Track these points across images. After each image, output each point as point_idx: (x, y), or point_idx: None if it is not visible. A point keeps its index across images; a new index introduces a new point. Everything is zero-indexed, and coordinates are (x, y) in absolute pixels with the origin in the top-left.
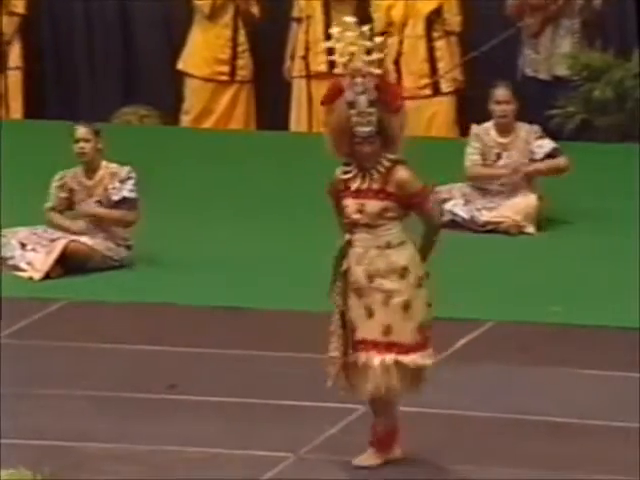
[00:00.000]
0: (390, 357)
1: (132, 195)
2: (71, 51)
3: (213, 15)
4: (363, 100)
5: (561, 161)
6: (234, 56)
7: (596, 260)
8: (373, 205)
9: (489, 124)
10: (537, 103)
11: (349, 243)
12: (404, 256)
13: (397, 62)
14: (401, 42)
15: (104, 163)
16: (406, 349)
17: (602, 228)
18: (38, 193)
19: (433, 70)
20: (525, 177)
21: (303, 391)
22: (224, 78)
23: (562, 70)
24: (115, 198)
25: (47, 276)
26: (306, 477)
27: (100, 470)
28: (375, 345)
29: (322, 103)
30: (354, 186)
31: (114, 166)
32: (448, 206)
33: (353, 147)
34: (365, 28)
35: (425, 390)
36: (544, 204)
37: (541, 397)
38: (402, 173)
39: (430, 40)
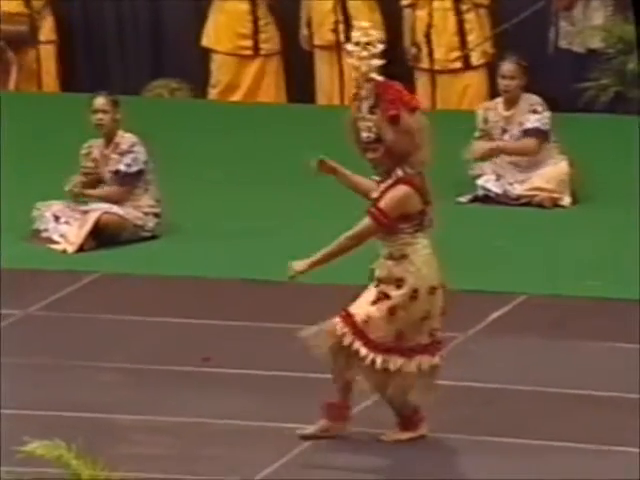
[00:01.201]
0: (349, 339)
1: (124, 169)
2: (102, 24)
3: None
4: (365, 105)
5: (529, 143)
6: (256, 30)
7: (631, 234)
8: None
9: (499, 99)
10: (571, 75)
11: None
12: (401, 269)
13: (428, 35)
14: (430, 15)
15: (120, 132)
16: (373, 344)
17: (636, 201)
18: (70, 166)
19: (463, 43)
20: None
21: None
22: (247, 52)
23: (596, 43)
24: (111, 169)
25: (80, 249)
26: (339, 450)
27: (133, 441)
28: (353, 325)
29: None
30: (375, 192)
31: (124, 137)
32: (480, 182)
33: (361, 152)
34: (374, 33)
35: (457, 363)
36: (576, 170)
37: (576, 371)
38: (392, 195)
39: (459, 13)
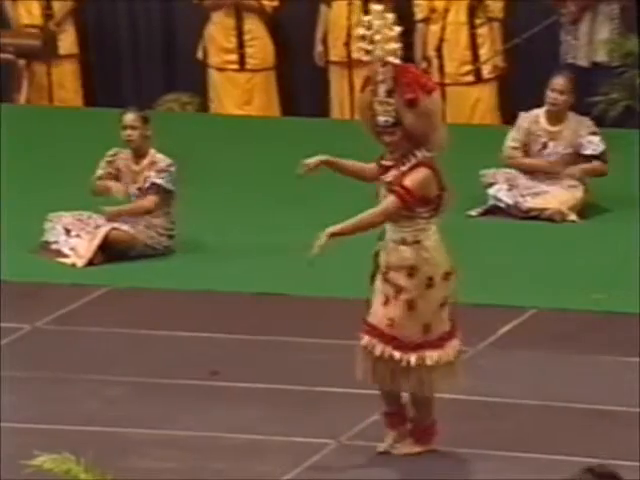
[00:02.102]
0: (388, 349)
1: (160, 182)
2: (115, 39)
3: (214, 4)
4: (382, 89)
5: (602, 167)
6: (240, 44)
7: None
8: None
9: (539, 111)
10: (577, 90)
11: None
12: (414, 255)
13: (439, 49)
14: (443, 29)
15: (152, 151)
16: (405, 346)
17: None
18: (84, 180)
19: (475, 57)
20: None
21: (345, 378)
22: (234, 67)
23: (601, 56)
24: (146, 185)
25: (90, 263)
26: (348, 464)
27: (143, 455)
28: (381, 334)
29: (360, 90)
30: (389, 176)
31: (160, 156)
32: (492, 191)
33: (376, 136)
34: (390, 16)
35: (467, 377)
36: (589, 197)
37: (584, 385)
38: (414, 176)
39: (472, 27)
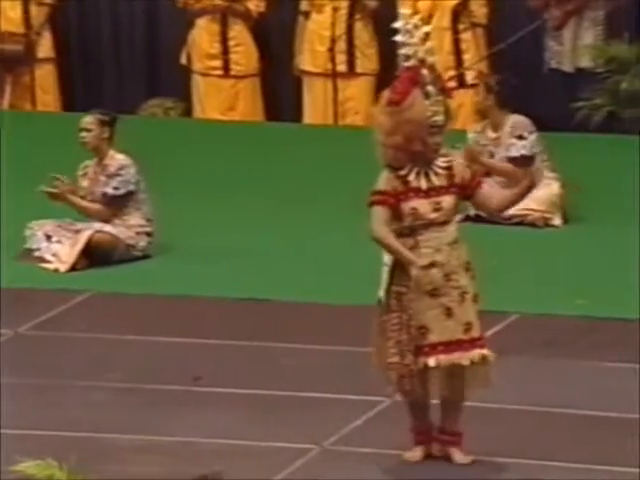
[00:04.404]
0: (478, 352)
1: (111, 192)
2: (97, 43)
3: (200, 10)
4: (433, 89)
5: (519, 173)
6: (224, 50)
7: (622, 253)
8: (449, 201)
9: (487, 121)
10: (561, 95)
11: (414, 246)
12: (465, 250)
13: None
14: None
15: (110, 153)
16: (482, 343)
17: (628, 221)
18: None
19: (458, 62)
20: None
21: (328, 383)
22: (218, 73)
23: (586, 62)
24: (99, 190)
25: (73, 268)
26: (331, 469)
27: (125, 461)
28: (460, 344)
29: (394, 102)
30: (424, 185)
31: (117, 158)
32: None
33: (427, 140)
34: (416, 17)
35: None
36: (568, 192)
37: (566, 390)
38: (460, 161)
39: (456, 32)
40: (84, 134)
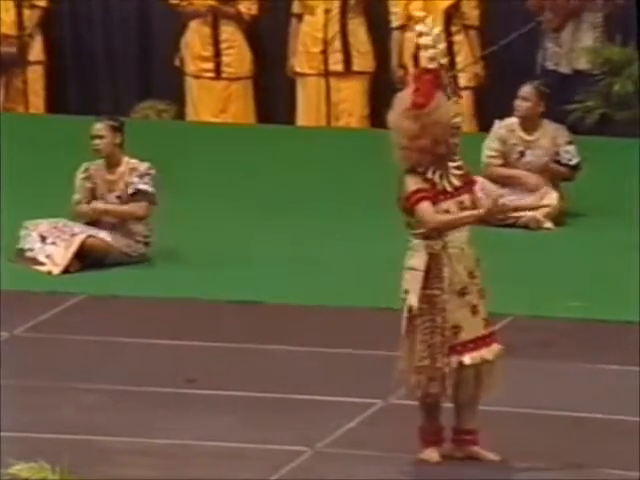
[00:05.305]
0: (497, 346)
1: (146, 188)
2: (91, 46)
3: (193, 12)
4: (450, 91)
5: (569, 173)
6: (217, 53)
7: (615, 255)
8: (468, 199)
9: (513, 120)
10: (557, 97)
11: (443, 248)
12: (474, 250)
13: (416, 56)
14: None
15: (125, 159)
16: (496, 337)
17: (621, 223)
18: (59, 187)
19: (451, 64)
20: (547, 176)
21: (320, 385)
22: (210, 75)
23: (583, 64)
24: (130, 191)
25: (66, 270)
26: (323, 471)
27: (118, 463)
28: (484, 340)
29: (419, 106)
30: (450, 186)
31: (134, 162)
32: None
33: (450, 142)
34: (429, 20)
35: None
36: (564, 204)
37: (560, 392)
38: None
39: (449, 34)
40: (97, 141)
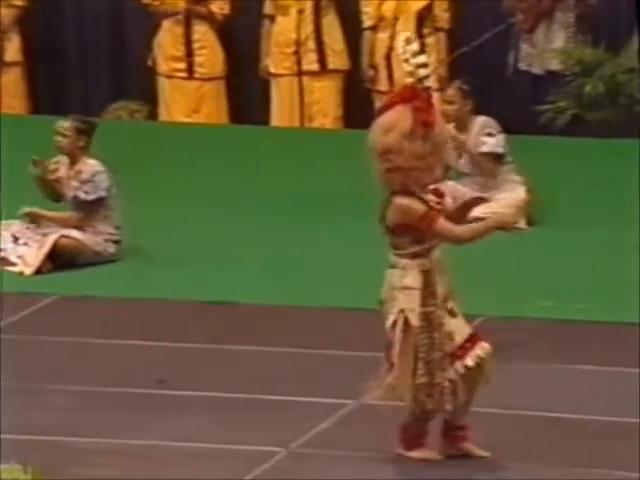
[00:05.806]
0: (484, 343)
1: (84, 197)
2: (63, 46)
3: (163, 12)
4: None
5: (487, 165)
6: (189, 53)
7: (587, 255)
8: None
9: (452, 124)
10: (530, 97)
11: (431, 264)
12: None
13: (388, 57)
14: (392, 37)
15: (83, 159)
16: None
17: (593, 223)
18: (30, 188)
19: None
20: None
21: (293, 386)
22: (182, 75)
23: (555, 65)
24: (71, 194)
25: (38, 271)
26: (297, 471)
27: (90, 464)
28: (474, 338)
29: (429, 125)
30: (432, 202)
31: (89, 163)
32: None
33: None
34: (415, 43)
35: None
36: (533, 197)
37: (533, 393)
38: None
39: (420, 36)
40: (59, 138)
